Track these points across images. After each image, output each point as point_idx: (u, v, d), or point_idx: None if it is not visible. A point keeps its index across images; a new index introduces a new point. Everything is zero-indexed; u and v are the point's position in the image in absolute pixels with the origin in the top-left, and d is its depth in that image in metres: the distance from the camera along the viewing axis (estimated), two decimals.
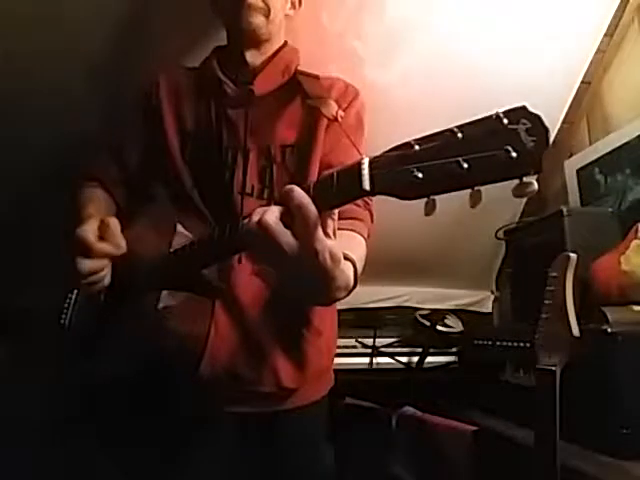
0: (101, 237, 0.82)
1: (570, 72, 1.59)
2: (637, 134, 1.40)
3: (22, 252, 1.35)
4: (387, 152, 0.53)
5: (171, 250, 0.82)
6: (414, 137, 0.51)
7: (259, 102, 0.98)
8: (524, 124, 0.45)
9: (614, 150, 1.48)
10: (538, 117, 0.45)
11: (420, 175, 0.48)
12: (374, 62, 1.42)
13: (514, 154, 0.44)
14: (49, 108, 1.28)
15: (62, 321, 0.92)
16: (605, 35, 1.53)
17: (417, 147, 0.50)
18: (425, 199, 0.49)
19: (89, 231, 0.81)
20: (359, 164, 0.53)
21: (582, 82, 1.62)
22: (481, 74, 1.49)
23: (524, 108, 0.45)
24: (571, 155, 1.68)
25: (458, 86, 1.48)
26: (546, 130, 0.44)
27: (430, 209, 0.49)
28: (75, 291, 0.95)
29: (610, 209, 1.42)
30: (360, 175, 0.52)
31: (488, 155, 0.45)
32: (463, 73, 1.48)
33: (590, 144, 1.63)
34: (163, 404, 0.90)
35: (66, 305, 0.93)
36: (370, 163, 0.53)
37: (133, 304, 0.87)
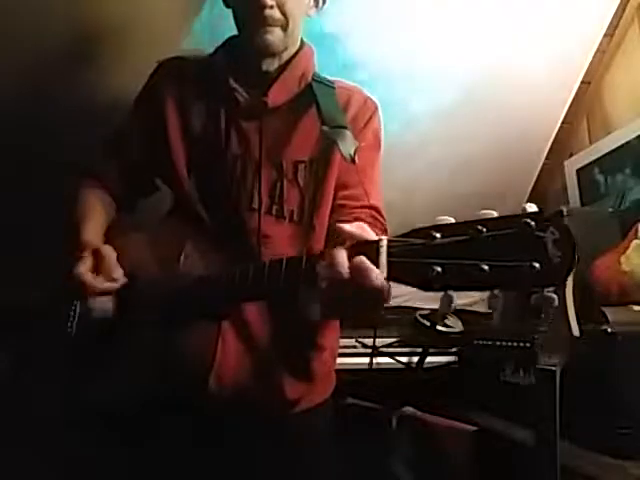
0: (97, 270, 0.82)
1: (570, 72, 1.59)
2: (637, 134, 1.40)
3: (21, 252, 1.35)
4: (407, 235, 0.52)
5: (195, 277, 0.82)
6: (435, 224, 0.50)
7: (273, 114, 0.93)
8: (552, 234, 0.43)
9: (614, 150, 1.48)
10: (567, 229, 0.43)
11: (439, 269, 0.48)
12: (373, 60, 1.42)
13: (538, 266, 0.43)
14: (48, 108, 1.28)
15: (69, 329, 0.90)
16: (605, 35, 1.53)
17: (439, 237, 0.49)
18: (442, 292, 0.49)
19: (85, 272, 0.81)
20: (377, 249, 0.52)
21: (582, 82, 1.62)
22: (481, 74, 1.49)
23: (556, 215, 0.44)
24: (571, 155, 1.67)
25: (458, 86, 1.48)
26: (573, 244, 0.43)
27: (445, 306, 0.49)
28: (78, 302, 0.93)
29: (610, 209, 1.42)
30: (377, 262, 0.51)
31: (511, 265, 0.44)
32: (463, 73, 1.48)
33: (590, 144, 1.63)
34: (170, 419, 0.89)
35: (71, 313, 0.91)
36: (388, 248, 0.52)
37: (137, 322, 0.86)
